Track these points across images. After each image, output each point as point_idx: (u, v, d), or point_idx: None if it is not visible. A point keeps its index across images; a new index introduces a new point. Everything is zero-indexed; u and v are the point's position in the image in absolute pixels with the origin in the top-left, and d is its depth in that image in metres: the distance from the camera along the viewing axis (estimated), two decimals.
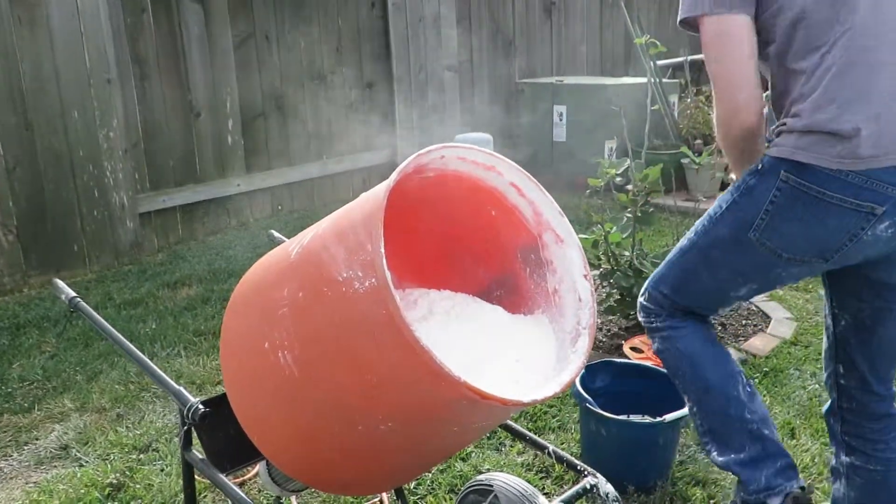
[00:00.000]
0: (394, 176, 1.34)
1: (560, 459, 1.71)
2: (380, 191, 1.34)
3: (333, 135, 5.83)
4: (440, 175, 1.53)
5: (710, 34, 1.68)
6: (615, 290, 3.46)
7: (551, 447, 1.72)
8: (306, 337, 1.41)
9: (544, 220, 1.56)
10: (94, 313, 1.93)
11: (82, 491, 2.38)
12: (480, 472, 2.37)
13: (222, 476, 1.63)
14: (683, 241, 1.83)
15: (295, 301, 1.44)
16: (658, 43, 3.41)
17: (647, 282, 1.94)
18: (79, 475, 2.49)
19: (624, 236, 3.43)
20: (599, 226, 3.41)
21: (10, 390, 3.14)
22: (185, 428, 1.68)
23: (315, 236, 1.49)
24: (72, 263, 4.57)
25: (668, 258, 1.88)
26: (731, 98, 1.66)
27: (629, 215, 3.41)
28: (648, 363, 2.63)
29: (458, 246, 1.74)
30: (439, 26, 6.24)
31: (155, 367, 1.76)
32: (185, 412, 1.66)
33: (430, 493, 2.32)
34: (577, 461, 1.67)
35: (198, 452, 1.70)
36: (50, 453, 2.69)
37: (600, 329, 3.52)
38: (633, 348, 3.01)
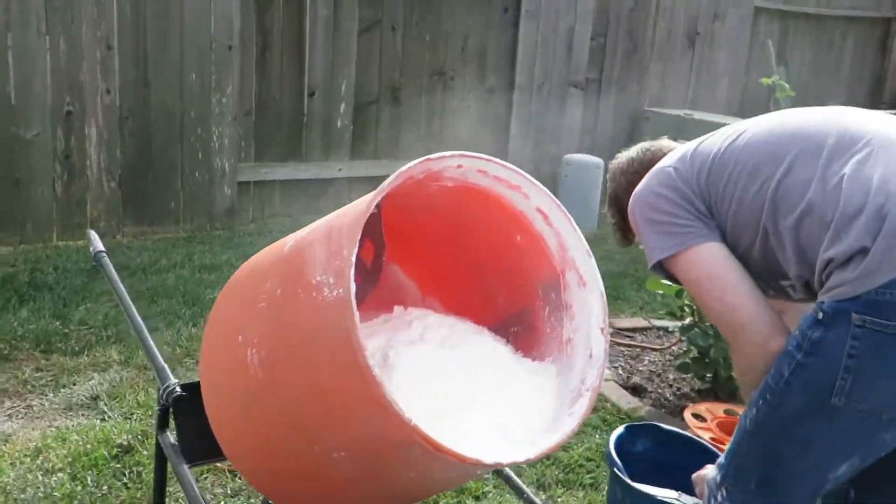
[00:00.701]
0: (391, 179, 1.19)
1: None
2: (370, 195, 1.18)
3: (444, 134, 5.71)
4: (461, 187, 1.36)
5: (689, 274, 1.45)
6: (694, 347, 3.14)
7: None
8: (274, 338, 1.28)
9: (569, 256, 1.36)
10: (113, 271, 1.89)
11: (90, 446, 2.36)
12: None
13: (185, 467, 1.52)
14: (746, 423, 1.41)
15: (273, 297, 1.31)
16: (787, 86, 3.05)
17: (707, 494, 1.50)
18: (97, 429, 2.48)
19: None
20: None
21: (67, 331, 3.20)
22: (160, 408, 1.59)
23: (310, 231, 1.36)
24: (166, 219, 4.69)
25: (729, 452, 1.45)
26: (751, 336, 1.39)
27: None
28: (701, 436, 2.33)
29: (483, 268, 1.56)
30: (572, 40, 6.00)
31: (149, 340, 1.70)
32: (161, 391, 1.58)
33: None
34: None
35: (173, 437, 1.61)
36: (81, 401, 2.70)
37: (670, 386, 3.22)
38: (695, 415, 2.70)
